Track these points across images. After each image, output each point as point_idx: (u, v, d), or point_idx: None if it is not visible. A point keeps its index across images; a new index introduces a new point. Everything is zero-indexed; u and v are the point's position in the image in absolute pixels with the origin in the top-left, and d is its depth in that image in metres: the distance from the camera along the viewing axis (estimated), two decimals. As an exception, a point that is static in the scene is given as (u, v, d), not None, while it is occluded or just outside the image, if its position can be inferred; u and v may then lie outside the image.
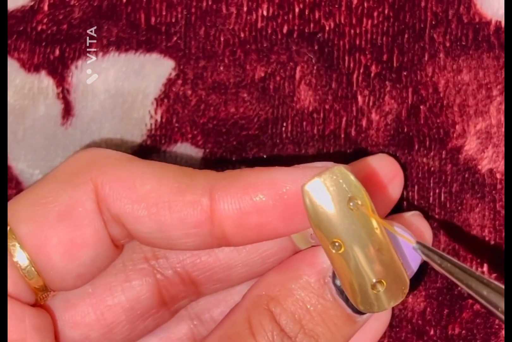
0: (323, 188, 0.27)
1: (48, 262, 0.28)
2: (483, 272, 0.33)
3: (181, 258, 0.31)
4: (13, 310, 0.28)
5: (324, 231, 0.27)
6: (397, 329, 0.33)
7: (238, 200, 0.28)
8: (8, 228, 0.28)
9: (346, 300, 0.28)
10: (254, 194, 0.28)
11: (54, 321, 0.30)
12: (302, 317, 0.28)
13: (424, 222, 0.32)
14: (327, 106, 0.33)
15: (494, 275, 0.33)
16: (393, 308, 0.33)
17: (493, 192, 0.33)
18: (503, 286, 0.25)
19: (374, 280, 0.27)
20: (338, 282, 0.28)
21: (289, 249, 0.31)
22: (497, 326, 0.33)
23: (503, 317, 0.25)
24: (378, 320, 0.32)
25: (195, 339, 0.33)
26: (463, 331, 0.33)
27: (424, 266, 0.32)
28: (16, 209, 0.29)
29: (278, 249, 0.31)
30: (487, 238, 0.33)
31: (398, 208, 0.33)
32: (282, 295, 0.28)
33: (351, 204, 0.27)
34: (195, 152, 0.34)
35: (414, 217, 0.32)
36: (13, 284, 0.28)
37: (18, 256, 0.28)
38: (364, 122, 0.33)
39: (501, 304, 0.25)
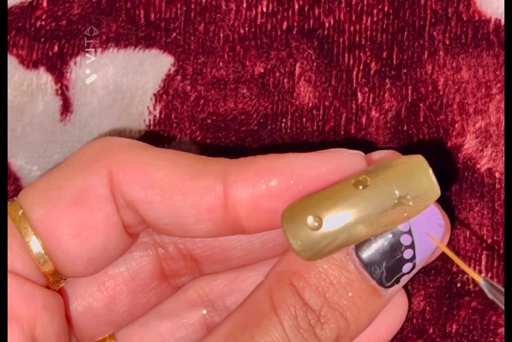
0: None
1: (59, 245, 0.28)
2: (480, 271, 0.33)
3: None
4: (22, 289, 0.28)
5: None
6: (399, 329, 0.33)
7: (251, 184, 0.28)
8: (21, 211, 0.28)
9: (370, 271, 0.28)
10: (267, 179, 0.28)
11: (65, 299, 0.30)
12: (326, 290, 0.27)
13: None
14: (326, 103, 0.33)
15: (490, 273, 0.33)
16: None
17: (492, 191, 0.33)
18: None
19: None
20: (361, 254, 0.28)
21: None
22: (494, 324, 0.33)
23: None
24: (393, 314, 0.31)
25: (208, 325, 0.33)
26: (460, 328, 0.33)
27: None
28: (30, 194, 0.29)
29: (276, 234, 0.30)
30: (485, 237, 0.33)
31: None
32: (304, 269, 0.28)
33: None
34: (193, 148, 0.34)
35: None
36: (24, 267, 0.28)
37: (29, 239, 0.28)
38: (364, 120, 0.33)
39: None
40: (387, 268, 0.28)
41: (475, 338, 0.33)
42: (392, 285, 0.28)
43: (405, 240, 0.28)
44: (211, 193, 0.28)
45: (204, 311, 0.33)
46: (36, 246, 0.28)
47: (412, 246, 0.28)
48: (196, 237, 0.29)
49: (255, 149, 0.34)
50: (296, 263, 0.28)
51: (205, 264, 0.32)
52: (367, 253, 0.28)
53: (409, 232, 0.28)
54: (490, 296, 0.26)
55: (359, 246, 0.28)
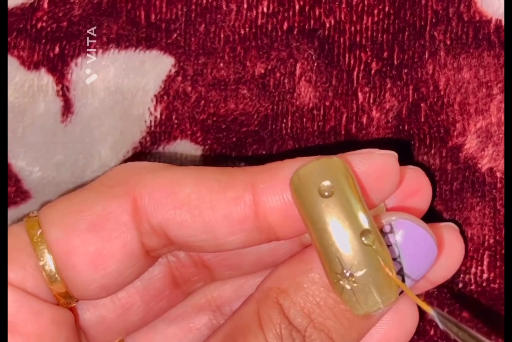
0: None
1: (73, 270, 0.28)
2: (482, 270, 0.33)
3: None
4: (31, 305, 0.28)
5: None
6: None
7: (281, 191, 0.28)
8: (40, 231, 0.28)
9: None
10: None
11: (75, 310, 0.30)
12: (312, 311, 0.28)
13: (456, 236, 0.31)
14: (327, 103, 0.33)
15: (492, 274, 0.33)
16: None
17: (493, 190, 0.33)
18: None
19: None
20: None
21: (296, 241, 0.31)
22: (496, 326, 0.33)
23: None
24: (401, 329, 0.31)
25: (215, 330, 0.33)
26: (463, 330, 0.33)
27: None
28: (50, 213, 0.29)
29: (286, 241, 0.30)
30: (487, 237, 0.33)
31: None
32: (291, 288, 0.28)
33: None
34: (194, 149, 0.34)
35: (446, 229, 0.31)
36: (35, 287, 0.28)
37: (44, 260, 0.28)
38: (364, 119, 0.33)
39: None
40: None
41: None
42: None
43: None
44: (240, 203, 0.28)
45: (211, 316, 0.33)
46: (49, 267, 0.28)
47: (400, 271, 0.28)
48: (231, 249, 0.29)
49: (255, 150, 0.34)
50: (286, 281, 0.28)
51: (217, 270, 0.32)
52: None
53: (398, 258, 0.28)
54: (441, 326, 0.26)
55: None
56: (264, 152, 0.34)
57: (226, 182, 0.28)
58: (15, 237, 0.29)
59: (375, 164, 0.28)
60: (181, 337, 0.33)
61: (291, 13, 0.33)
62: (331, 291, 0.27)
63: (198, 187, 0.28)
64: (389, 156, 0.28)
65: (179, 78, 0.34)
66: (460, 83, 0.33)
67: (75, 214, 0.28)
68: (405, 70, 0.33)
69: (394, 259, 0.28)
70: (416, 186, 0.30)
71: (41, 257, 0.28)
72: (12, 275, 0.28)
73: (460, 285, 0.33)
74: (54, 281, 0.28)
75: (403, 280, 0.28)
